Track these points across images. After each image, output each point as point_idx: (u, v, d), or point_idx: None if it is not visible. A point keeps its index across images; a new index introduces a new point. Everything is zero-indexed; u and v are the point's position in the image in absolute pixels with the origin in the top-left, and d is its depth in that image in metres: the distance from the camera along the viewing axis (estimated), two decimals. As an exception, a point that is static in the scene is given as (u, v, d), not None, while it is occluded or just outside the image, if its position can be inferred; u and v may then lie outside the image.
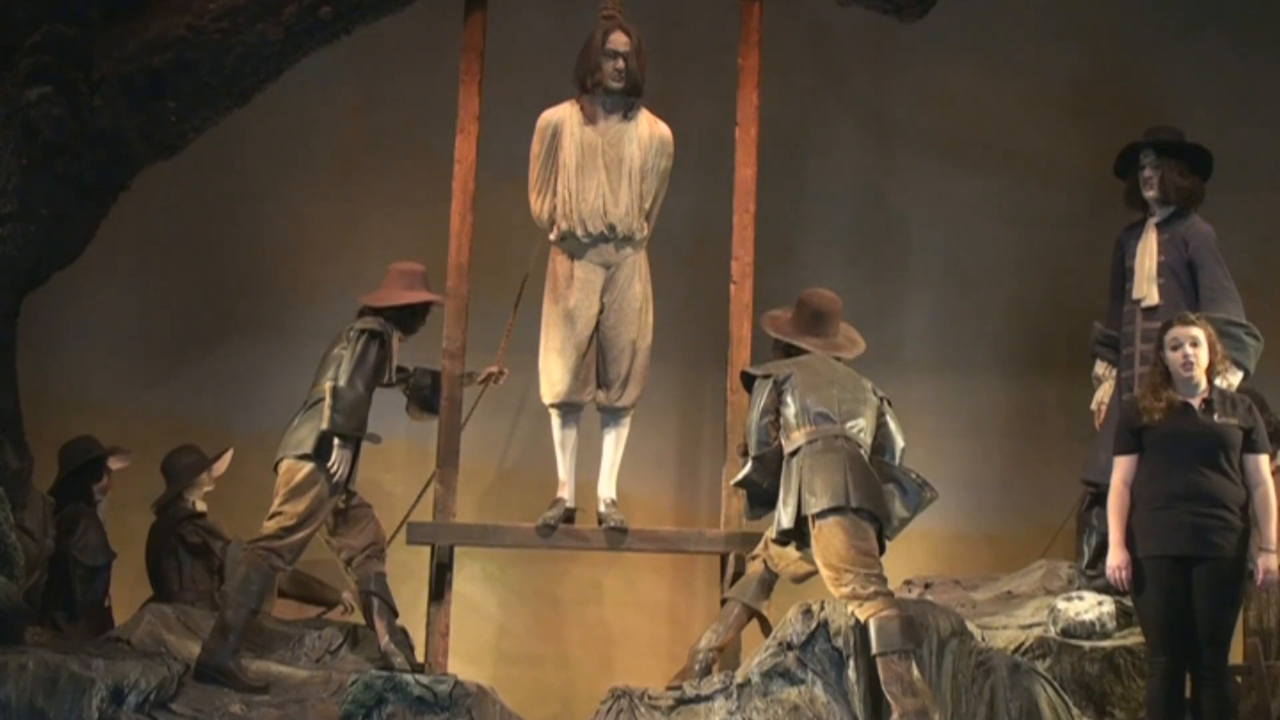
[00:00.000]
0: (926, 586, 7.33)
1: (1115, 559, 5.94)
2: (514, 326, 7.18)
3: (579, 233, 6.79)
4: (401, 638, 6.63)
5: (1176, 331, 6.01)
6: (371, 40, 7.54)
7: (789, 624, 6.13)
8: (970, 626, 6.25)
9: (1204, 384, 5.97)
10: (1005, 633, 6.58)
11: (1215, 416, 5.91)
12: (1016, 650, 6.37)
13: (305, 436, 6.58)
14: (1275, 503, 5.88)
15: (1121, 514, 5.95)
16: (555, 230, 6.84)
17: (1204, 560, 5.78)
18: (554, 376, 6.79)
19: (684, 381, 8.29)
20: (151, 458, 7.42)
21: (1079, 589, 6.79)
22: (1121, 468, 6.02)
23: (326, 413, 6.53)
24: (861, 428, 6.32)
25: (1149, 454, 5.99)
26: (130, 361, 8.33)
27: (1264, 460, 5.93)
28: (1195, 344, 5.95)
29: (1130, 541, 5.91)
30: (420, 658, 6.70)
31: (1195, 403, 5.94)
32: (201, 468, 7.38)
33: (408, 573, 7.25)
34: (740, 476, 6.42)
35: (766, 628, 6.49)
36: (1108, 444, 6.73)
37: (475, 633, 7.97)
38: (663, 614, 8.29)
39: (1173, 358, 5.98)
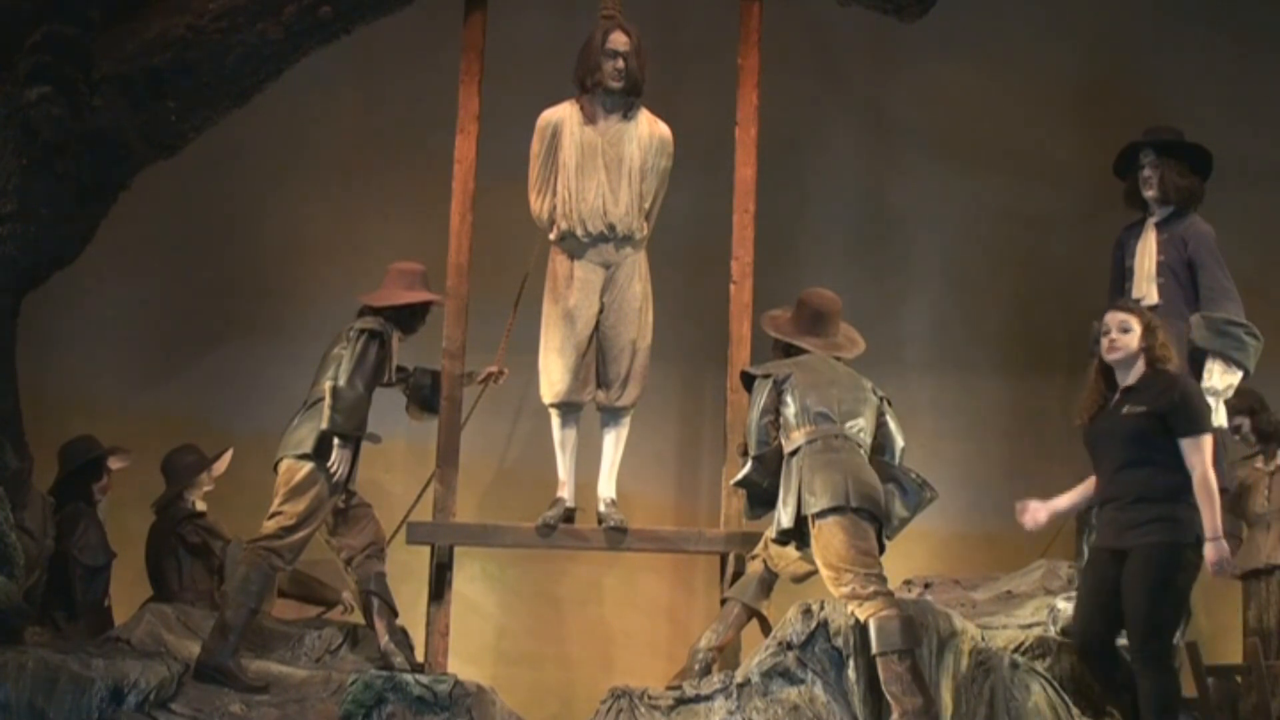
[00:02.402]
0: (926, 586, 7.31)
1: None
2: (514, 326, 7.18)
3: (579, 232, 6.78)
4: (401, 638, 6.63)
5: (1107, 316, 5.93)
6: (371, 40, 7.53)
7: (789, 624, 6.12)
8: (970, 626, 6.25)
9: (1131, 374, 5.88)
10: (1005, 633, 6.58)
11: (1125, 409, 5.83)
12: (1016, 650, 6.36)
13: (305, 436, 6.57)
14: (1214, 488, 5.71)
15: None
16: (555, 230, 6.84)
17: (1131, 551, 5.78)
18: (554, 376, 6.79)
19: (684, 381, 8.29)
20: (151, 458, 7.41)
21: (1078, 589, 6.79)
22: None
23: (326, 412, 6.52)
24: (861, 428, 6.31)
25: (1090, 453, 6.09)
26: (130, 361, 8.32)
27: (1195, 442, 5.71)
28: (1125, 330, 5.86)
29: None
30: (420, 658, 6.70)
31: (1115, 396, 5.90)
32: (201, 468, 7.37)
33: (408, 573, 7.25)
34: (740, 476, 6.41)
35: (766, 628, 6.48)
36: (1107, 444, 6.74)
37: (475, 633, 7.96)
38: (663, 614, 8.29)
39: (1102, 343, 5.93)
